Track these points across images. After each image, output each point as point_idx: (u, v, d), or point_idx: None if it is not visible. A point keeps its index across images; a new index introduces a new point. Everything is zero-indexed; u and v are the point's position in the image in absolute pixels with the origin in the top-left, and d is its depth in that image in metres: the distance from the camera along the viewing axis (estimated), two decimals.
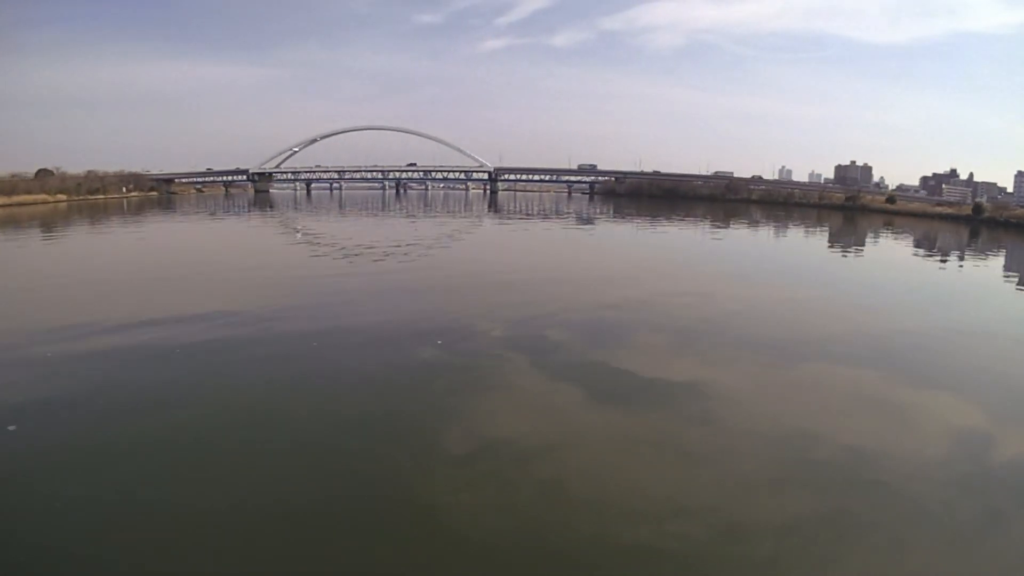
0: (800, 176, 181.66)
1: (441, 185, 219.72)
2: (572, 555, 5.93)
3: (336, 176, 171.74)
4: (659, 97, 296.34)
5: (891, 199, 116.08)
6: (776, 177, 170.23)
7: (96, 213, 74.13)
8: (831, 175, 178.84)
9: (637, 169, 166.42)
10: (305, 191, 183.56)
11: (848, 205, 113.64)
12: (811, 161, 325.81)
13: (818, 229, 71.90)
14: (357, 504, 7.22)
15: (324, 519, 6.74)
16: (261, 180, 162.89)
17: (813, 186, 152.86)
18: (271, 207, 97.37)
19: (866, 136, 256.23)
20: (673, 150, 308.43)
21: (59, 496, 7.21)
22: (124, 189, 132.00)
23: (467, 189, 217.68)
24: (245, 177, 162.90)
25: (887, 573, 5.81)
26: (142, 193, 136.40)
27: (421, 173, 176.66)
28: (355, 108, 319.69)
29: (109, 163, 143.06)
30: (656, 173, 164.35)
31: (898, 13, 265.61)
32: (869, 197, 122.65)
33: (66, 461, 8.40)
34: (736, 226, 71.07)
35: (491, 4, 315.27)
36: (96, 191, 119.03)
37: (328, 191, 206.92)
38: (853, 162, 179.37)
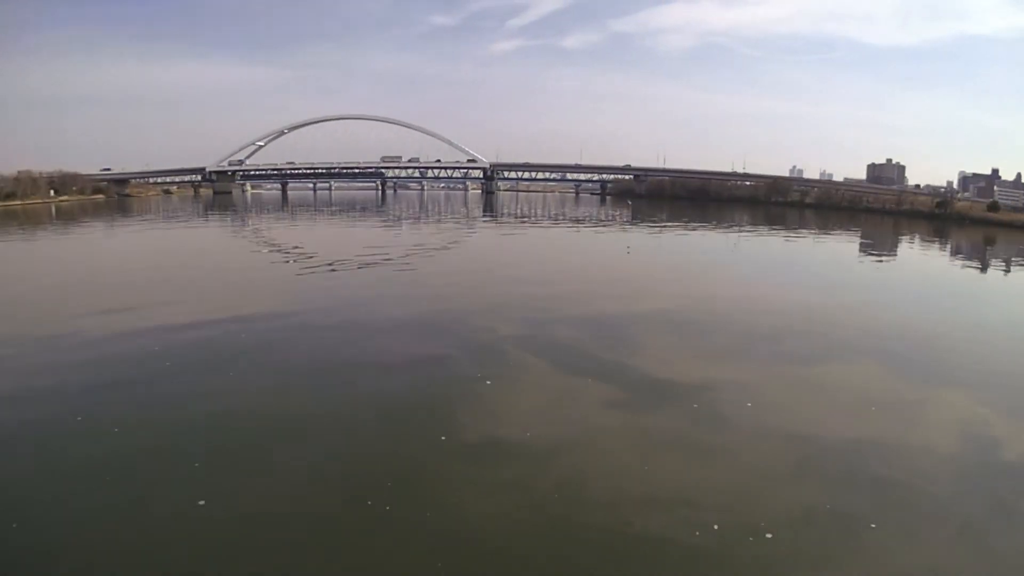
0: (812, 175, 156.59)
1: (442, 186, 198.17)
2: (591, 546, 5.95)
3: (307, 172, 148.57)
4: (668, 98, 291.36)
5: (993, 206, 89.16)
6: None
7: None
8: (848, 175, 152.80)
9: (659, 165, 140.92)
10: (280, 192, 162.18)
11: (939, 213, 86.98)
12: (821, 161, 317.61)
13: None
14: (377, 501, 7.27)
15: (344, 518, 6.99)
16: (221, 179, 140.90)
17: (881, 190, 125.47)
18: (231, 209, 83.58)
19: (876, 136, 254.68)
20: (676, 150, 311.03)
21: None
22: (52, 192, 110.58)
23: (466, 189, 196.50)
24: (201, 177, 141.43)
25: (899, 564, 5.76)
26: (82, 197, 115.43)
27: (405, 171, 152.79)
28: (361, 108, 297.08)
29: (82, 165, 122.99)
30: (684, 171, 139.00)
31: (907, 16, 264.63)
32: (963, 203, 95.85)
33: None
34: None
35: (506, 6, 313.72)
36: (10, 196, 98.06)
37: (312, 192, 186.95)
38: (890, 160, 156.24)
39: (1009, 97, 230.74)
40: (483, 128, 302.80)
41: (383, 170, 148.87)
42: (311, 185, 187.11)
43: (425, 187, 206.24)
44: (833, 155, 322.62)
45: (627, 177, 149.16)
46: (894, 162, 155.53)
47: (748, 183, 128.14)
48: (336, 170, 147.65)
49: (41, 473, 8.31)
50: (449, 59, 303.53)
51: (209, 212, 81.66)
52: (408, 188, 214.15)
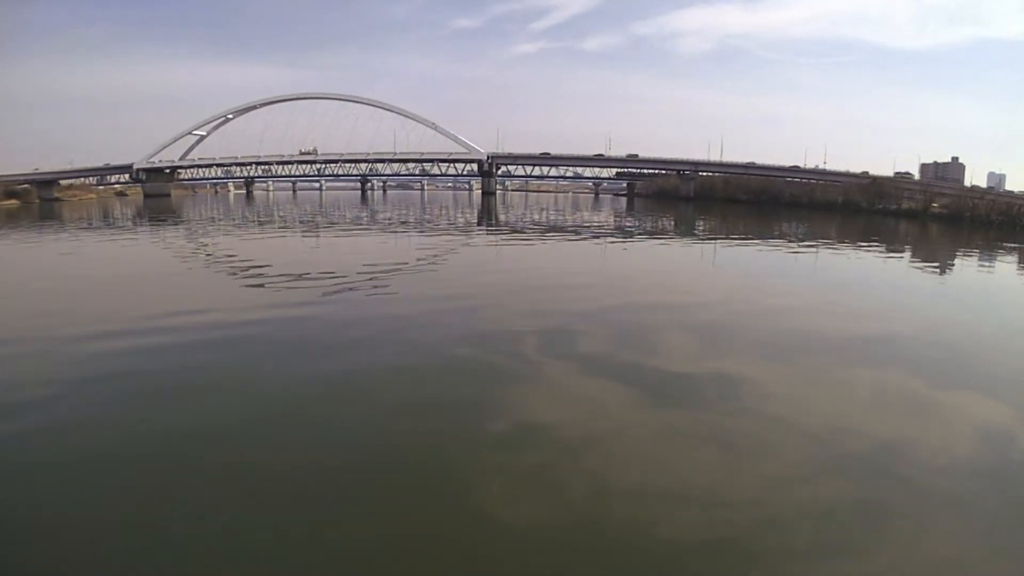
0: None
1: (449, 184, 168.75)
2: (620, 541, 5.83)
3: (249, 164, 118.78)
4: (686, 100, 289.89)
5: None
6: None
7: None
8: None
9: (712, 159, 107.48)
10: (245, 192, 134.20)
11: None
12: (837, 162, 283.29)
13: None
14: (404, 496, 6.73)
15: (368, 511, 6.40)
16: (154, 178, 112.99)
17: None
18: (167, 217, 60.81)
19: (891, 138, 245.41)
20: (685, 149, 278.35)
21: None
22: None
23: (470, 189, 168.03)
24: (129, 176, 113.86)
25: (919, 560, 5.73)
26: None
27: (389, 167, 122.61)
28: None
29: None
30: (749, 165, 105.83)
31: (924, 20, 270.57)
32: None
33: None
34: None
35: (529, 9, 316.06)
36: None
37: (291, 192, 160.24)
38: (955, 158, 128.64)
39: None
40: (500, 128, 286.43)
41: (346, 163, 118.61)
42: (290, 185, 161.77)
43: (426, 187, 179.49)
44: (853, 155, 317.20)
45: (664, 173, 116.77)
46: (960, 160, 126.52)
47: (842, 183, 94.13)
48: (285, 167, 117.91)
49: None
50: (469, 61, 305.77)
51: (137, 220, 59.03)
52: (411, 188, 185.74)
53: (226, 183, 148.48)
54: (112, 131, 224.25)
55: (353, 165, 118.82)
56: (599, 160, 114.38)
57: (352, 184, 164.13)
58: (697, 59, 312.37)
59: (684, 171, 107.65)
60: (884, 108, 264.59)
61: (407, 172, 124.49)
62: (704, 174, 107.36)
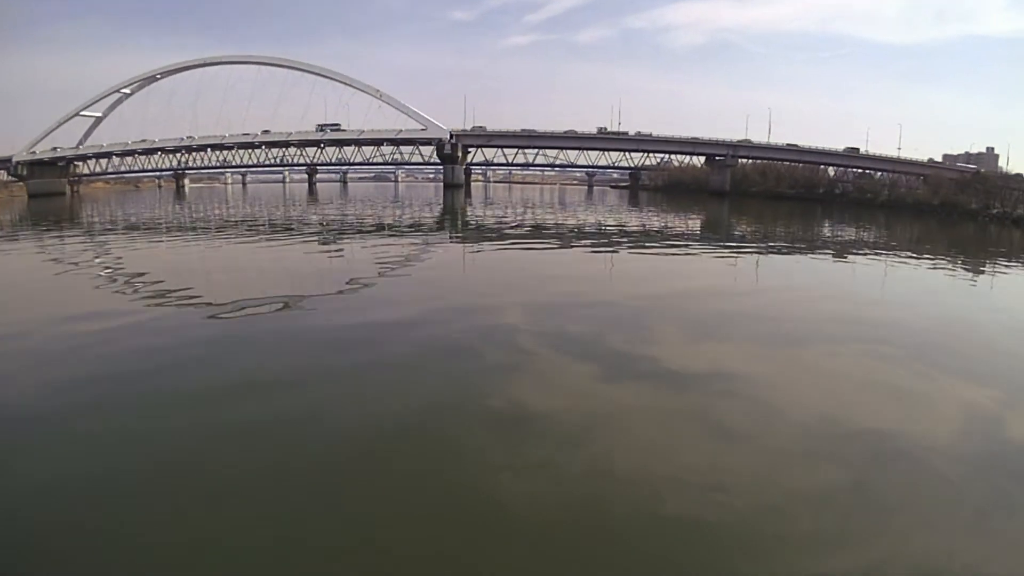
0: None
1: (431, 176, 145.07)
2: (621, 524, 5.81)
3: (135, 153, 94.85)
4: (678, 92, 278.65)
5: None
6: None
7: None
8: None
9: (749, 140, 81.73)
10: (175, 186, 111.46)
11: None
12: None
13: None
14: (407, 483, 6.49)
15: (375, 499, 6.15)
16: (42, 173, 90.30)
17: None
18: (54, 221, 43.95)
19: (890, 132, 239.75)
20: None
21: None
22: None
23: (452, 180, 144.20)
24: (7, 172, 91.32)
25: (916, 545, 5.73)
26: None
27: (289, 152, 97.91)
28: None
29: None
30: (791, 148, 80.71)
31: (913, 17, 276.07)
32: None
33: None
34: None
35: (524, 2, 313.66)
36: None
37: (240, 184, 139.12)
38: (991, 149, 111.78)
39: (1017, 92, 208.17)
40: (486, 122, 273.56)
41: (266, 147, 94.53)
42: (240, 178, 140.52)
43: (401, 179, 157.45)
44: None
45: (687, 161, 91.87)
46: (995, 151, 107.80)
47: (932, 174, 68.66)
48: (195, 147, 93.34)
49: None
50: (463, 53, 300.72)
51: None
52: (388, 180, 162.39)
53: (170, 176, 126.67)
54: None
55: (266, 151, 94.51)
56: (601, 139, 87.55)
57: (330, 176, 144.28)
58: (689, 52, 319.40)
59: (716, 156, 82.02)
60: (881, 102, 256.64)
61: (342, 161, 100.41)
62: (743, 158, 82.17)
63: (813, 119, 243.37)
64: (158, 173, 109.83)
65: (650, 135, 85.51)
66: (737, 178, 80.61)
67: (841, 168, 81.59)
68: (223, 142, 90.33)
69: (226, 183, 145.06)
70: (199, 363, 9.82)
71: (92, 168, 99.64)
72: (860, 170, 79.04)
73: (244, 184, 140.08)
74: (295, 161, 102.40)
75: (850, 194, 71.61)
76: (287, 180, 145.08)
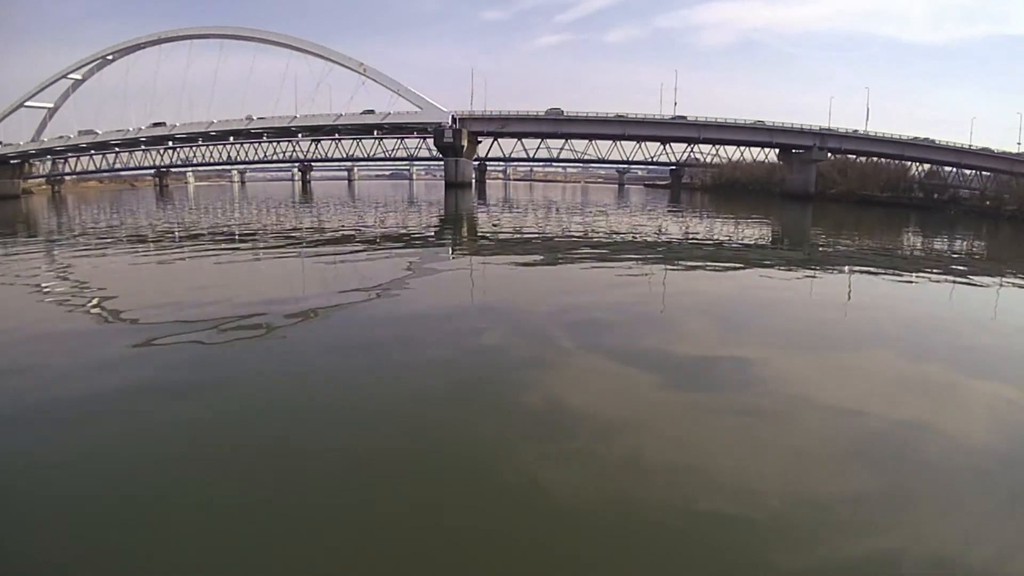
0: None
1: (439, 174, 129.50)
2: (656, 520, 5.70)
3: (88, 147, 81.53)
4: (708, 92, 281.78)
5: None
6: None
7: None
8: None
9: (836, 128, 63.56)
10: (158, 185, 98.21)
11: None
12: None
13: None
14: (439, 475, 6.15)
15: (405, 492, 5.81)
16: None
17: None
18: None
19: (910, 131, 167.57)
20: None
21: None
22: None
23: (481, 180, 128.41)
24: None
25: (939, 536, 5.57)
26: None
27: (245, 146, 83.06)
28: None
29: None
30: (894, 140, 63.19)
31: (941, 18, 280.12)
32: None
33: None
34: None
35: (555, 2, 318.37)
36: None
37: (229, 182, 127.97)
38: None
39: None
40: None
41: (211, 140, 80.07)
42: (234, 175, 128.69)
43: (415, 178, 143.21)
44: None
45: (740, 155, 73.64)
46: None
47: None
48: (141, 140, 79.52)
49: None
50: (492, 52, 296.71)
51: None
52: (404, 178, 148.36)
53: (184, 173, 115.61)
54: None
55: (218, 145, 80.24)
56: (650, 124, 68.97)
57: (339, 174, 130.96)
58: (719, 52, 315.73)
59: (795, 147, 63.88)
60: (914, 103, 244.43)
61: (341, 157, 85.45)
62: (833, 150, 64.49)
63: (851, 119, 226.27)
64: (135, 172, 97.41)
65: (714, 120, 67.29)
66: (827, 175, 62.90)
67: (951, 169, 63.94)
68: (172, 132, 76.48)
69: (232, 181, 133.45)
70: None
71: (73, 167, 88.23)
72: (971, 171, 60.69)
73: (243, 183, 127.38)
74: (288, 157, 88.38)
75: (965, 201, 53.87)
76: (295, 179, 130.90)
